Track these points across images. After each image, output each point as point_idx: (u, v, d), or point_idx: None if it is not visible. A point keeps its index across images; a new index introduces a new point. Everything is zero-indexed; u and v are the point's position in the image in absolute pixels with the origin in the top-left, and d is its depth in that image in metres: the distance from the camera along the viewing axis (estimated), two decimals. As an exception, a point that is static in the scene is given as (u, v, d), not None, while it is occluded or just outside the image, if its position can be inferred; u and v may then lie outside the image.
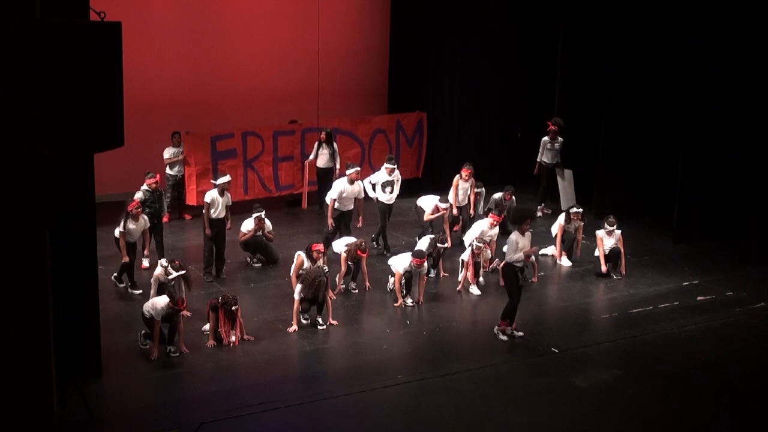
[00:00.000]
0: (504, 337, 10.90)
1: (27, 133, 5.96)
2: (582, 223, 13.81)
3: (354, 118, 16.82)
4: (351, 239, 12.51)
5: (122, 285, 12.03)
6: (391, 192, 13.93)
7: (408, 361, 10.47)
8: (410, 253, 11.92)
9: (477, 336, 11.35)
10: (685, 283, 13.18)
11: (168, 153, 14.89)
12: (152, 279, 11.20)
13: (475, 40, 17.49)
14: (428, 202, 14.04)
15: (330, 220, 13.16)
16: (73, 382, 8.74)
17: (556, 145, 15.97)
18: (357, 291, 12.30)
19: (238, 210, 13.77)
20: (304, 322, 11.12)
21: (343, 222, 13.29)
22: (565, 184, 15.98)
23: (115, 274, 12.07)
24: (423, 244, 12.60)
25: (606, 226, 13.23)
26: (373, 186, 14.11)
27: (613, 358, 10.68)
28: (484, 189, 14.90)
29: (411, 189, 16.29)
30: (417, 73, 17.33)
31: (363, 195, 13.50)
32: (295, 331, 10.92)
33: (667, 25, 15.35)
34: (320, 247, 11.45)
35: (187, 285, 11.17)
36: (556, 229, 13.93)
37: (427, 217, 13.99)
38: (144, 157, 14.66)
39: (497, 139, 18.08)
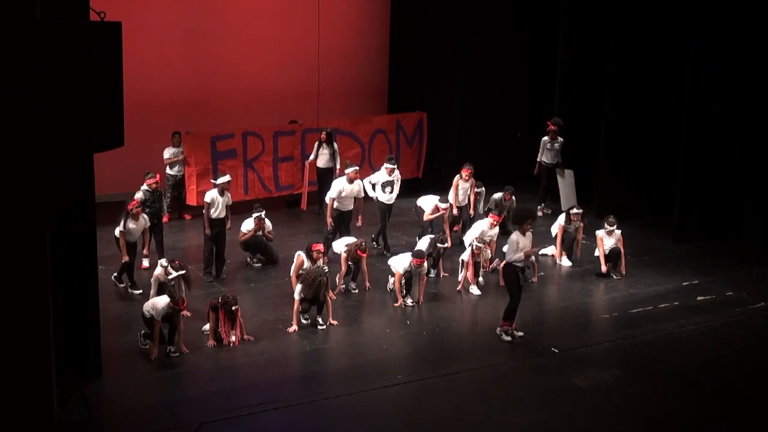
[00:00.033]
0: (508, 338, 10.89)
1: (27, 133, 5.96)
2: (582, 224, 13.81)
3: (354, 118, 16.82)
4: (351, 239, 12.52)
5: (122, 285, 12.03)
6: (391, 192, 13.93)
7: (408, 361, 10.47)
8: (410, 253, 11.92)
9: (477, 336, 11.35)
10: (685, 283, 13.18)
11: (168, 153, 14.89)
12: (152, 279, 11.20)
13: (475, 40, 17.50)
14: (428, 202, 14.04)
15: (329, 220, 13.16)
16: (73, 382, 8.74)
17: (556, 145, 15.98)
18: (357, 291, 12.30)
19: (238, 210, 13.77)
20: (304, 322, 11.12)
21: (343, 222, 13.28)
22: (565, 184, 15.98)
23: (115, 274, 12.07)
24: (423, 244, 12.60)
25: (606, 226, 13.23)
26: (373, 186, 14.11)
27: (613, 358, 10.68)
28: (484, 189, 14.90)
29: (411, 189, 16.30)
30: (417, 73, 17.34)
31: (363, 194, 13.50)
32: (295, 331, 10.92)
33: (667, 25, 15.35)
34: (320, 247, 11.46)
35: (187, 285, 11.17)
36: (556, 229, 13.93)
37: (426, 217, 13.99)
38: (144, 157, 14.66)
39: (497, 139, 18.08)
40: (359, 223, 13.55)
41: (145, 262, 12.70)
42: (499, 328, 10.98)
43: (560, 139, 15.98)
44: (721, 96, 14.41)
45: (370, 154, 16.73)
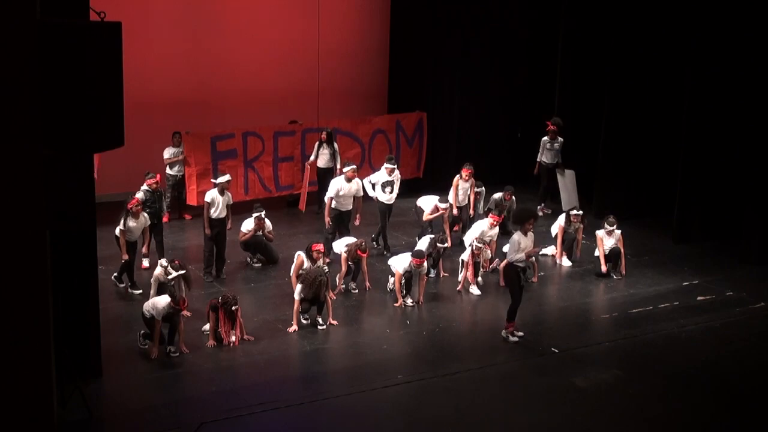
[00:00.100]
0: (515, 339, 10.88)
1: (27, 133, 5.96)
2: (582, 225, 13.81)
3: (354, 119, 16.82)
4: (351, 239, 12.51)
5: (122, 285, 12.03)
6: (391, 192, 13.93)
7: (408, 361, 10.47)
8: (410, 253, 11.92)
9: (477, 336, 11.35)
10: (685, 283, 13.18)
11: (168, 153, 14.89)
12: (152, 279, 11.20)
13: (475, 40, 17.50)
14: (428, 202, 14.04)
15: (327, 219, 13.15)
16: (73, 382, 8.74)
17: (556, 145, 15.98)
18: (357, 291, 12.30)
19: (238, 210, 13.77)
20: (304, 322, 11.12)
21: (343, 222, 13.27)
22: (566, 184, 15.97)
23: (116, 274, 12.07)
24: (423, 244, 12.60)
25: (606, 226, 13.23)
26: (373, 186, 14.10)
27: (613, 358, 10.68)
28: (484, 189, 14.90)
29: (411, 189, 16.30)
30: (417, 73, 17.33)
31: (361, 193, 13.47)
32: (295, 331, 10.92)
33: (667, 25, 15.35)
34: (320, 247, 11.46)
35: (187, 285, 11.17)
36: (556, 229, 13.93)
37: (426, 217, 13.99)
38: (144, 157, 14.66)
39: (497, 139, 18.08)
40: (357, 222, 13.53)
41: (145, 262, 12.70)
42: (504, 331, 10.96)
43: (560, 139, 15.98)
44: (721, 96, 14.41)
45: (370, 154, 16.73)
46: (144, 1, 15.54)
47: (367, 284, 12.38)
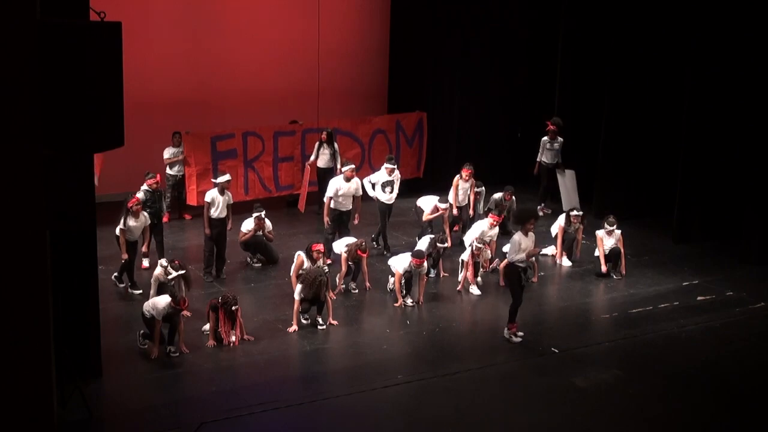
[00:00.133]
0: (518, 339, 10.88)
1: (27, 133, 5.96)
2: (581, 226, 13.81)
3: (354, 119, 16.82)
4: (351, 239, 12.51)
5: (122, 285, 12.03)
6: (391, 192, 13.93)
7: (408, 361, 10.47)
8: (410, 253, 11.92)
9: (477, 336, 11.35)
10: (685, 283, 13.18)
11: (168, 153, 14.89)
12: (152, 279, 11.20)
13: (475, 40, 17.49)
14: (428, 202, 14.04)
15: (326, 218, 13.15)
16: (73, 382, 8.74)
17: (556, 145, 15.98)
18: (357, 291, 12.30)
19: (238, 210, 13.76)
20: (304, 322, 11.12)
21: (342, 222, 13.26)
22: (566, 184, 15.97)
23: (116, 274, 12.07)
24: (423, 244, 12.60)
25: (606, 226, 13.23)
26: (373, 186, 14.10)
27: (613, 358, 10.68)
28: (484, 189, 14.89)
29: (411, 189, 16.30)
30: (417, 73, 17.33)
31: (360, 193, 13.45)
32: (295, 331, 10.92)
33: (667, 25, 15.35)
34: (320, 247, 11.46)
35: (187, 285, 11.16)
36: (556, 229, 13.93)
37: (426, 217, 13.99)
38: (144, 157, 14.66)
39: (497, 139, 18.08)
40: (356, 222, 13.52)
41: (145, 262, 12.69)
42: (507, 331, 10.94)
43: (560, 139, 15.98)
44: (721, 96, 14.41)
45: (370, 154, 16.72)
46: (144, 1, 15.53)
47: (367, 284, 12.38)
